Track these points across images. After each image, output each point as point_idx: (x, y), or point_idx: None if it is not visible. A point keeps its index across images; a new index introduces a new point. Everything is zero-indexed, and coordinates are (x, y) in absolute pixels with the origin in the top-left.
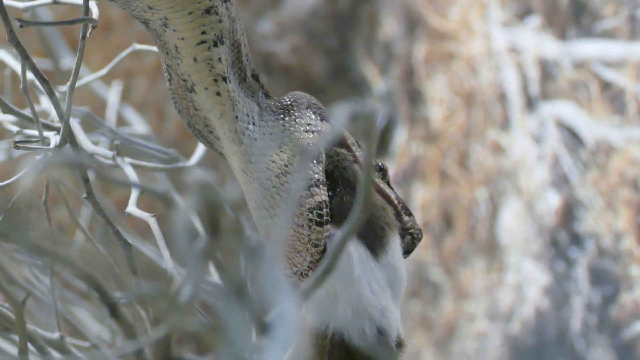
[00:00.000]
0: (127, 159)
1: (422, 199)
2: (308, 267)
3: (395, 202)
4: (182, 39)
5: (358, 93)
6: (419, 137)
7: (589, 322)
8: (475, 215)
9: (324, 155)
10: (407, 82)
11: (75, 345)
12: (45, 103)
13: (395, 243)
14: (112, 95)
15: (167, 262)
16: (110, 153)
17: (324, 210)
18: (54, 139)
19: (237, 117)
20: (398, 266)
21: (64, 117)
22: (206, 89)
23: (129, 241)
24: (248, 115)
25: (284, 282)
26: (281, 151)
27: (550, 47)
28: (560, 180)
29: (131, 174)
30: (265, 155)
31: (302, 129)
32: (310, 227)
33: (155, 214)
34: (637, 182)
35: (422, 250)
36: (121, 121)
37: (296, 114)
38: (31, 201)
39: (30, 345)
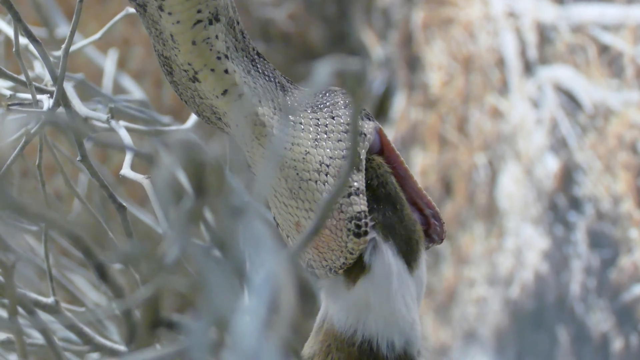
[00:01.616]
0: (122, 122)
1: (421, 165)
2: (340, 266)
3: (428, 210)
4: (178, 22)
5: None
6: (417, 103)
7: (589, 286)
8: (474, 180)
9: (364, 164)
10: (405, 48)
11: (71, 311)
12: (38, 68)
13: (424, 257)
14: (109, 63)
15: (162, 224)
16: (104, 116)
17: (362, 221)
18: (47, 101)
19: (259, 101)
20: (424, 280)
21: (57, 80)
22: (212, 70)
23: (124, 204)
24: (272, 101)
25: (268, 241)
26: (318, 146)
27: (548, 11)
28: (559, 145)
29: (125, 137)
30: (299, 145)
31: (341, 128)
32: (348, 235)
33: (149, 175)
34: (636, 145)
35: None
36: (118, 89)
37: (333, 112)
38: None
39: (21, 309)
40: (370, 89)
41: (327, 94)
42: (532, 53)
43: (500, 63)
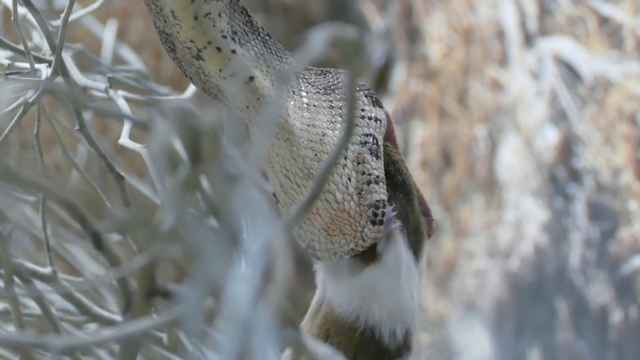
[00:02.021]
0: (120, 92)
1: (421, 137)
2: (347, 252)
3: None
4: None
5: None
6: (417, 74)
7: (588, 258)
8: (474, 152)
9: (382, 151)
10: (405, 20)
11: (68, 281)
12: (37, 37)
13: (426, 247)
14: (108, 34)
15: (160, 194)
16: (102, 86)
17: (380, 210)
18: (45, 70)
19: (272, 84)
20: (424, 268)
21: (56, 50)
22: (218, 49)
23: (122, 174)
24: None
25: (264, 209)
26: (334, 129)
27: None
28: (559, 116)
29: (124, 107)
30: (315, 126)
31: (355, 113)
32: (367, 222)
33: (147, 145)
34: (635, 117)
35: (422, 188)
36: (117, 60)
37: (345, 95)
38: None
39: (17, 279)
40: (370, 60)
41: (337, 76)
42: (532, 25)
43: (500, 35)
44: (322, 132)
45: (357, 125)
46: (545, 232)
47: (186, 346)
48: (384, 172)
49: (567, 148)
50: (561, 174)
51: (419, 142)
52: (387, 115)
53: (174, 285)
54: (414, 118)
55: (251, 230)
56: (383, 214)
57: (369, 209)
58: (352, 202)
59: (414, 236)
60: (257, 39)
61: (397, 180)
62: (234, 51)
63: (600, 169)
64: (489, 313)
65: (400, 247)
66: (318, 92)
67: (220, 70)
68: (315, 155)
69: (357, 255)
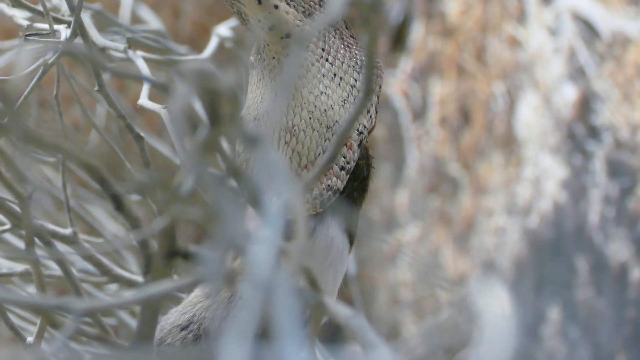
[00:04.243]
0: (139, 53)
1: (439, 94)
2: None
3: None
4: None
5: None
6: (435, 32)
7: (607, 215)
8: (492, 109)
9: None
10: None
11: (89, 242)
12: None
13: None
14: None
15: (179, 154)
16: (121, 46)
17: (334, 196)
18: (64, 31)
19: (323, 49)
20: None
21: (75, 10)
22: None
23: (141, 134)
24: (324, 49)
25: (282, 170)
26: (343, 107)
27: None
28: (577, 73)
29: (143, 68)
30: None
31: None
32: (315, 199)
33: (166, 105)
34: None
35: (440, 145)
36: (135, 19)
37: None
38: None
39: (38, 240)
40: (387, 18)
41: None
42: None
43: None
44: (331, 104)
45: (367, 112)
46: (564, 189)
47: None
48: (353, 164)
49: (586, 105)
50: (580, 131)
51: (437, 99)
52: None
53: (194, 246)
54: (432, 75)
55: (270, 191)
56: (330, 199)
57: (327, 190)
58: (309, 174)
59: (350, 231)
60: None
61: (360, 174)
62: (276, 7)
63: (619, 125)
64: (509, 270)
65: (334, 230)
66: (349, 66)
67: (259, 21)
68: (310, 119)
69: None
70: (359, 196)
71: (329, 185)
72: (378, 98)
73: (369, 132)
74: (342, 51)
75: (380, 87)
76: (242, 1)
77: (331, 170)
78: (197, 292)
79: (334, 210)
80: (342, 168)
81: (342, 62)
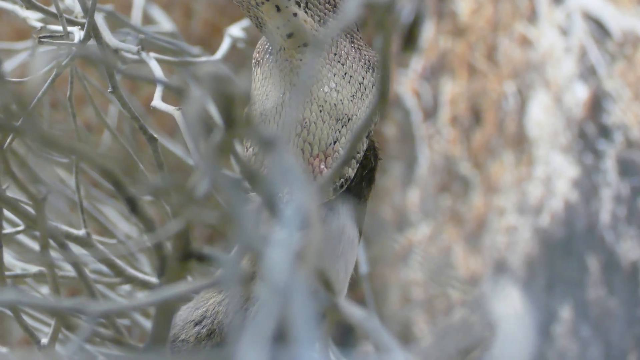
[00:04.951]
0: (152, 54)
1: (450, 94)
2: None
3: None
4: None
5: None
6: (446, 31)
7: (618, 214)
8: (503, 108)
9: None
10: None
11: (102, 242)
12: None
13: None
14: None
15: (193, 155)
16: (134, 48)
17: (346, 184)
18: (77, 33)
19: (335, 53)
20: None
21: (88, 12)
22: (277, 7)
23: (155, 135)
24: (337, 54)
25: (298, 172)
26: (352, 103)
27: None
28: (588, 72)
29: (156, 69)
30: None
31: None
32: (328, 186)
33: (180, 107)
34: None
35: (451, 144)
36: (147, 20)
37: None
38: (54, 99)
39: (52, 242)
40: (399, 17)
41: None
42: None
43: None
44: (341, 99)
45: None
46: (576, 188)
47: None
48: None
49: (597, 104)
50: (591, 130)
51: (448, 98)
52: None
53: (208, 248)
54: (443, 75)
55: (285, 194)
56: (342, 187)
57: (340, 178)
58: (323, 164)
59: (360, 220)
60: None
61: (368, 164)
62: (295, 14)
63: (630, 124)
64: (520, 270)
65: (345, 218)
66: (359, 65)
67: (278, 28)
68: (320, 112)
69: None
70: (367, 185)
71: (348, 176)
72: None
73: (375, 124)
74: (352, 52)
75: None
76: (260, 8)
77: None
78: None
79: (344, 199)
80: (353, 157)
81: (352, 63)
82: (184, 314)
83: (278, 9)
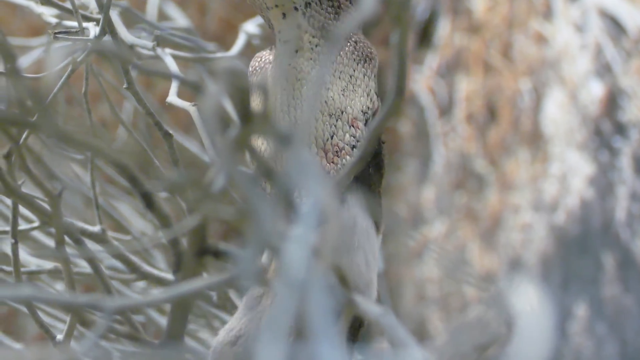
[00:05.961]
0: (168, 50)
1: (466, 91)
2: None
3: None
4: None
5: None
6: (462, 28)
7: (634, 211)
8: (519, 105)
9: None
10: None
11: (117, 239)
12: None
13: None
14: None
15: (208, 151)
16: (150, 44)
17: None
18: (93, 29)
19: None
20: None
21: (103, 8)
22: (284, 15)
23: (170, 132)
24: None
25: (315, 169)
26: (343, 96)
27: None
28: (604, 70)
29: (171, 65)
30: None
31: (366, 89)
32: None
33: (195, 103)
34: None
35: (466, 142)
36: (162, 16)
37: (367, 71)
38: (70, 95)
39: (67, 238)
40: (414, 15)
41: (369, 48)
42: None
43: None
44: (331, 95)
45: (367, 95)
46: (591, 186)
47: (235, 303)
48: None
49: (612, 101)
50: (606, 128)
51: (464, 96)
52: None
53: (224, 244)
54: (459, 72)
55: (302, 190)
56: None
57: (343, 168)
58: (324, 160)
59: (376, 212)
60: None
61: (378, 153)
62: (299, 26)
63: None
64: (536, 267)
65: (355, 209)
66: (350, 59)
67: (279, 32)
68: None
69: None
70: (375, 172)
71: (343, 164)
72: (375, 77)
73: (374, 113)
74: (346, 46)
75: (375, 66)
76: (269, 14)
77: (344, 151)
78: (240, 307)
79: (352, 189)
80: (353, 147)
81: (343, 57)
82: (221, 336)
83: (284, 16)
